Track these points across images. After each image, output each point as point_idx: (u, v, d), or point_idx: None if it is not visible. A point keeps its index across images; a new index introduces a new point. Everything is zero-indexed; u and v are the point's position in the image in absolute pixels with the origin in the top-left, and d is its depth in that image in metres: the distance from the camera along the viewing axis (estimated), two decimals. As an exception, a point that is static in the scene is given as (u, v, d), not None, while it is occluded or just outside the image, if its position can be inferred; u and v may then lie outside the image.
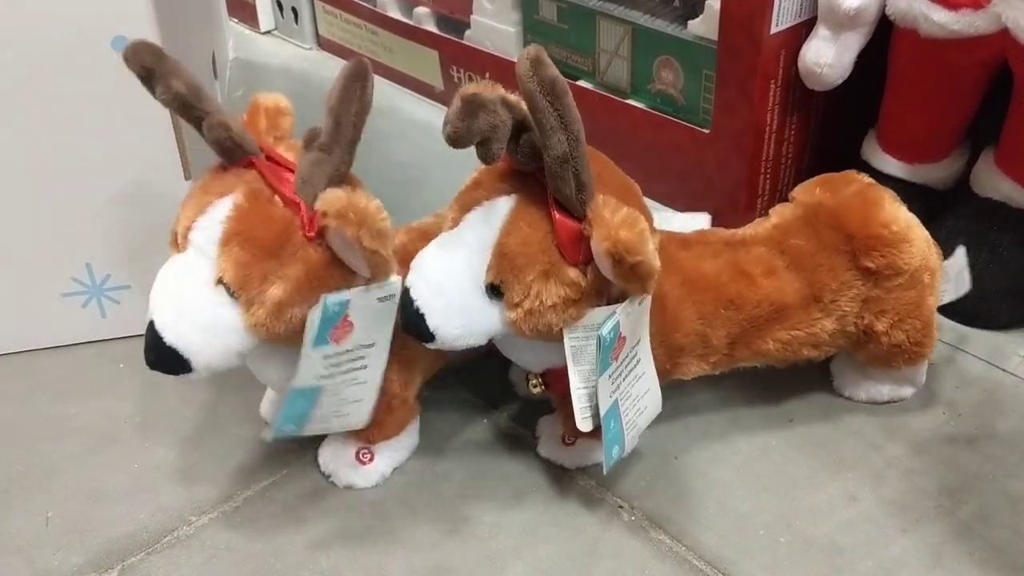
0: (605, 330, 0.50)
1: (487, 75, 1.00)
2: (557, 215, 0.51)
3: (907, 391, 0.67)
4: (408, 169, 0.90)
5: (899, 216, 0.63)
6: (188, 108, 0.52)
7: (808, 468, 0.62)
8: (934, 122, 0.77)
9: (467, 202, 0.53)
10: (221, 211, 0.52)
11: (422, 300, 0.52)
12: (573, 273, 0.51)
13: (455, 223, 0.53)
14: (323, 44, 1.23)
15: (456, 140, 0.48)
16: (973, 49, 0.71)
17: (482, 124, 0.48)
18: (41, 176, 0.66)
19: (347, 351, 0.54)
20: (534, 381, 0.60)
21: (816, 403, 0.67)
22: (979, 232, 0.75)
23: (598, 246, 0.49)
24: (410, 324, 0.52)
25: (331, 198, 0.49)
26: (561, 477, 0.62)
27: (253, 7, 1.27)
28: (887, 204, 0.63)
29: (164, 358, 0.51)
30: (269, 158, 0.54)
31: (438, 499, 0.60)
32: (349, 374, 0.55)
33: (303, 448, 0.64)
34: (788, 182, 0.86)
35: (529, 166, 0.52)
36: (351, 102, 0.52)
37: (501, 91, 0.49)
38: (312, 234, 0.51)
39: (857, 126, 0.83)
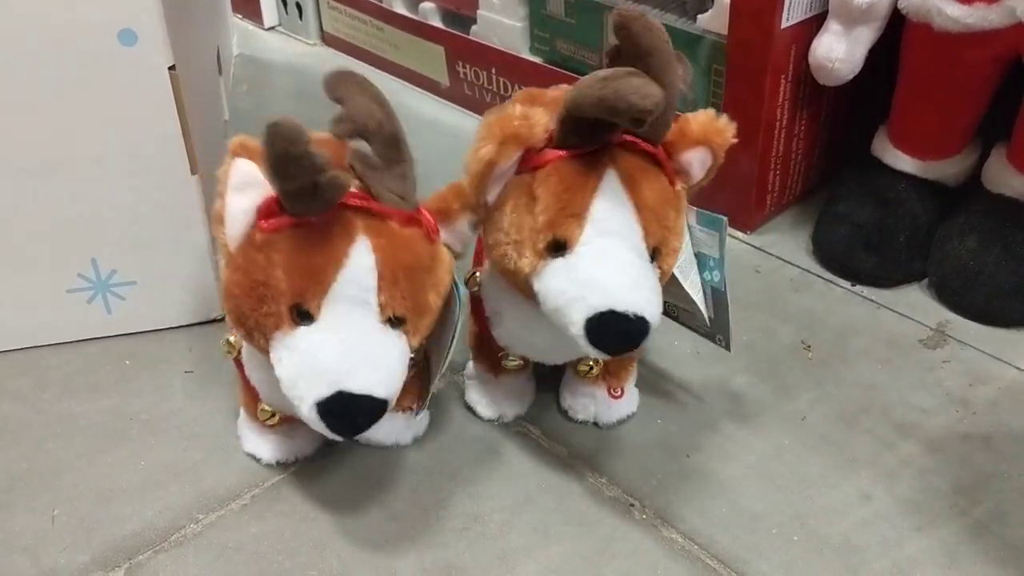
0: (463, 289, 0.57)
1: (493, 71, 0.99)
2: (655, 151, 0.53)
3: None
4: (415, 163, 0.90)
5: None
6: (318, 177, 0.48)
7: (821, 467, 0.61)
8: (946, 118, 0.77)
9: (577, 206, 0.51)
10: (364, 258, 0.50)
11: (635, 305, 0.50)
12: (680, 194, 0.55)
13: (580, 233, 0.51)
14: (327, 40, 1.22)
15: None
16: (986, 44, 0.70)
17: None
18: (46, 171, 0.65)
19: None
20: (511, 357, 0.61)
21: (829, 402, 0.66)
22: (992, 229, 0.74)
23: (712, 150, 0.53)
24: (633, 332, 0.50)
25: (455, 192, 0.53)
26: (572, 475, 0.61)
27: (257, 3, 1.26)
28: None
29: (373, 415, 0.50)
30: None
31: (448, 498, 0.60)
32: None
33: (315, 448, 0.63)
34: (798, 178, 0.86)
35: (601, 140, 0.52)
36: (389, 111, 0.52)
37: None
38: (437, 236, 0.53)
39: (868, 122, 0.82)
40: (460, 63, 1.03)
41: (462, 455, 0.63)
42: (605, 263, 0.51)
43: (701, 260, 0.60)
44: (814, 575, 0.55)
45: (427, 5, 1.06)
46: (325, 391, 0.49)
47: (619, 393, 0.64)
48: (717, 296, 0.61)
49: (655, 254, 0.53)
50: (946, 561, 0.55)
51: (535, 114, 0.51)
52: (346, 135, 0.52)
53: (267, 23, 1.28)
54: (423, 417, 0.64)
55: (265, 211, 0.50)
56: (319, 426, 0.49)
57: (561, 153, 0.52)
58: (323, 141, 0.52)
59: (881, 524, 0.57)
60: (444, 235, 0.54)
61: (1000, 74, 0.73)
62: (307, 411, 0.49)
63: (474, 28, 1.01)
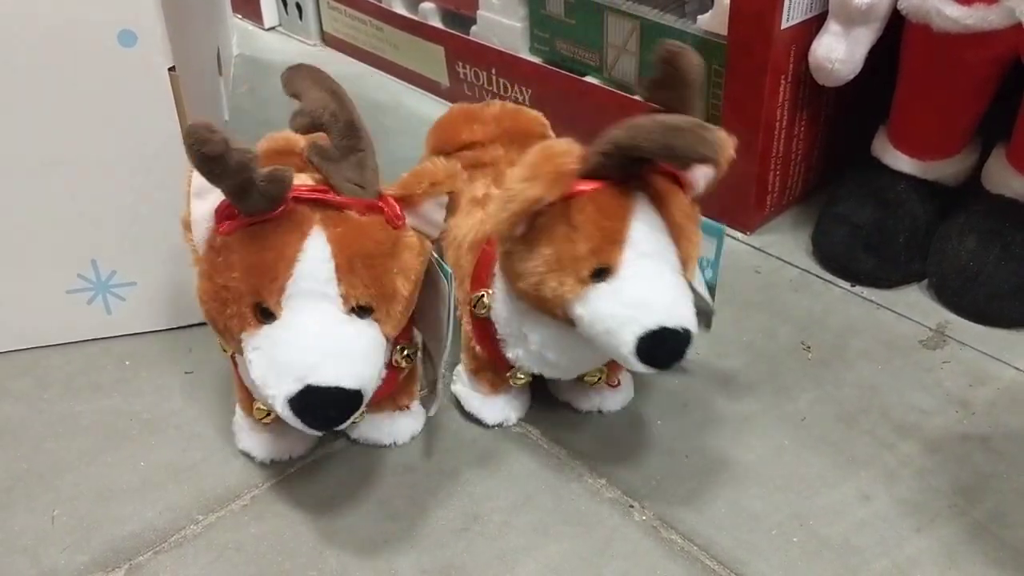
0: (448, 269, 0.56)
1: (493, 71, 0.99)
2: (673, 171, 0.54)
3: None
4: (414, 165, 0.90)
5: (532, 111, 0.73)
6: (251, 175, 0.48)
7: (820, 467, 0.61)
8: (946, 118, 0.77)
9: (616, 233, 0.52)
10: (319, 250, 0.50)
11: (684, 320, 0.52)
12: (696, 207, 0.56)
13: (621, 257, 0.53)
14: (327, 40, 1.22)
15: None
16: (986, 44, 0.70)
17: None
18: (46, 171, 0.65)
19: None
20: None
21: (828, 402, 0.66)
22: (991, 229, 0.74)
23: (720, 168, 0.53)
24: (681, 350, 0.52)
25: (422, 174, 0.52)
26: (571, 476, 0.61)
27: (257, 3, 1.26)
28: (521, 107, 0.73)
29: (347, 406, 0.49)
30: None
31: (447, 497, 0.60)
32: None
33: (310, 447, 0.63)
34: (798, 179, 0.86)
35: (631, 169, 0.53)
36: (346, 99, 0.52)
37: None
38: (401, 222, 0.53)
39: (868, 122, 0.82)
40: (460, 63, 1.03)
41: (461, 455, 0.63)
42: (650, 284, 0.53)
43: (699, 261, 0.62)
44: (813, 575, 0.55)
45: (427, 5, 1.06)
46: (294, 387, 0.49)
47: (616, 383, 0.65)
48: (709, 289, 0.64)
49: (684, 267, 0.55)
50: (946, 562, 0.55)
51: (572, 148, 0.52)
52: (303, 129, 0.53)
53: (267, 23, 1.28)
54: (420, 414, 0.64)
55: (222, 214, 0.51)
56: (296, 423, 0.50)
57: (595, 183, 0.53)
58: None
59: (880, 524, 0.57)
60: (411, 220, 0.54)
61: (999, 75, 0.73)
62: (281, 409, 0.49)
63: (474, 28, 1.01)
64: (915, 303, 0.76)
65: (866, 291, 0.77)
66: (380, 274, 0.52)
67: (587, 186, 0.53)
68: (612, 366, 0.64)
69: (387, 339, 0.53)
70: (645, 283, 0.52)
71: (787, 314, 0.75)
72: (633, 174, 0.53)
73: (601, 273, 0.53)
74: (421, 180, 0.53)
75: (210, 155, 0.46)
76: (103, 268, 0.70)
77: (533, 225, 0.53)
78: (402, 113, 1.06)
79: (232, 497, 0.60)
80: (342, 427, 0.52)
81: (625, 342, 0.52)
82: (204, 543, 0.57)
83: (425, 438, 0.64)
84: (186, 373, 0.70)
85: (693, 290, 0.60)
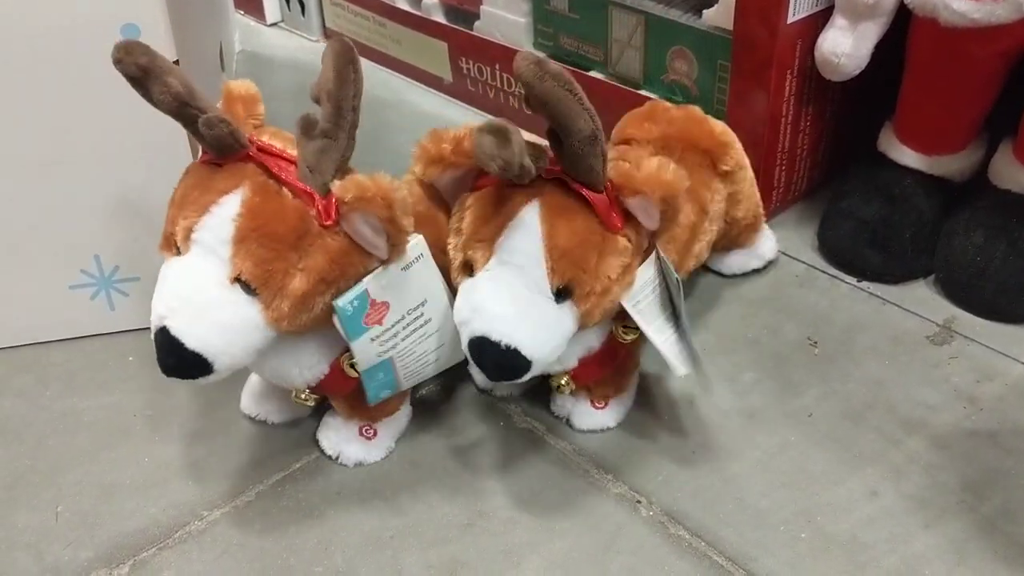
0: (342, 301, 0.53)
1: (497, 66, 0.99)
2: (588, 193, 0.52)
3: (757, 262, 0.78)
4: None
5: (718, 122, 0.71)
6: (184, 107, 0.50)
7: (827, 463, 0.61)
8: (952, 113, 0.76)
9: (489, 232, 0.52)
10: (230, 209, 0.51)
11: (507, 336, 0.50)
12: (621, 239, 0.53)
13: (484, 258, 0.52)
14: (330, 36, 1.22)
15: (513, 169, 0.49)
16: (993, 39, 0.70)
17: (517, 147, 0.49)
18: (49, 166, 0.65)
19: (396, 322, 0.55)
20: (304, 395, 0.59)
21: (835, 398, 0.66)
22: (998, 225, 0.74)
23: (650, 198, 0.51)
24: (505, 365, 0.51)
25: (355, 184, 0.50)
26: (578, 472, 0.61)
27: (259, -1, 1.26)
28: (708, 116, 0.71)
29: (185, 364, 0.50)
30: (261, 150, 0.52)
31: (453, 494, 0.59)
32: (413, 336, 0.57)
33: (315, 444, 0.63)
34: (804, 173, 0.86)
35: (530, 175, 0.52)
36: (347, 85, 0.51)
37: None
38: (329, 222, 0.51)
39: (874, 117, 0.82)
40: (463, 59, 1.03)
41: (467, 451, 0.62)
42: (493, 292, 0.52)
43: (676, 308, 0.59)
44: (822, 572, 0.54)
45: (430, 0, 1.06)
46: (155, 323, 0.50)
47: (602, 404, 0.63)
48: (687, 344, 0.60)
49: (565, 293, 0.52)
50: (954, 558, 0.55)
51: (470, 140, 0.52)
52: (313, 99, 0.53)
53: (269, 19, 1.27)
54: (380, 447, 0.62)
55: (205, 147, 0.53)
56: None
57: (495, 180, 0.53)
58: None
59: (888, 521, 0.57)
60: (347, 228, 0.52)
61: (1006, 69, 0.72)
62: (152, 335, 0.51)
63: (477, 24, 1.00)
64: (922, 299, 0.75)
65: (872, 287, 0.77)
66: (273, 259, 0.50)
67: (489, 181, 0.53)
68: (594, 389, 0.63)
69: (275, 329, 0.52)
70: (490, 290, 0.52)
71: (793, 310, 0.75)
72: (537, 180, 0.52)
73: (468, 268, 0.53)
74: (350, 189, 0.50)
75: (127, 75, 0.50)
76: (106, 263, 0.70)
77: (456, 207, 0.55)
78: (404, 109, 1.05)
79: (236, 493, 0.60)
80: (195, 383, 0.51)
81: (463, 341, 0.52)
82: (209, 539, 0.57)
83: (430, 434, 0.64)
84: (189, 369, 0.70)
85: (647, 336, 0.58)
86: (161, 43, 0.62)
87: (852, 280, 0.78)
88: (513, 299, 0.51)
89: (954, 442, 0.62)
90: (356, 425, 0.61)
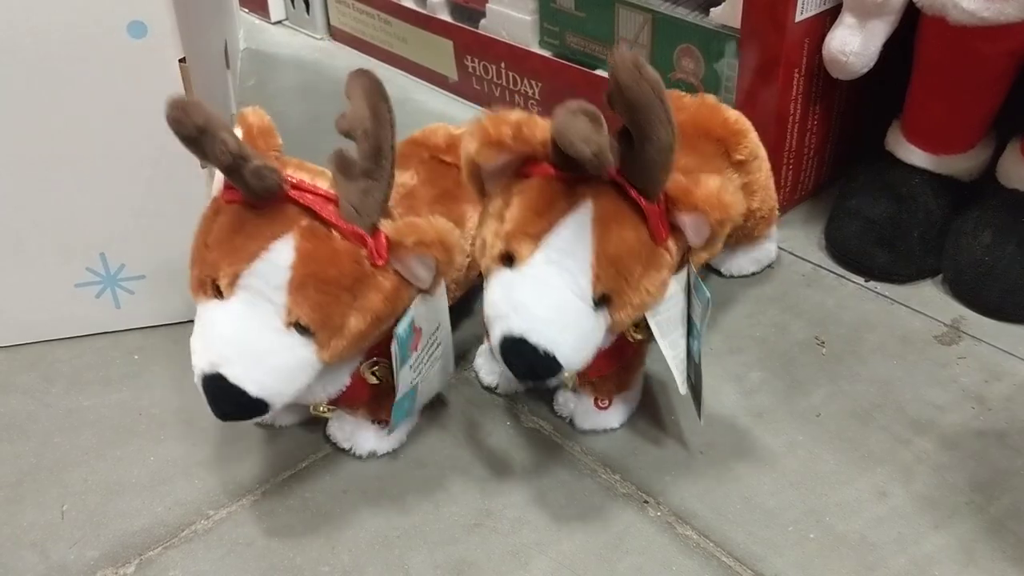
0: (400, 329, 0.54)
1: (502, 65, 0.99)
2: (644, 203, 0.51)
3: (754, 266, 0.77)
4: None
5: (732, 110, 0.70)
6: (239, 163, 0.49)
7: (836, 463, 0.61)
8: (960, 112, 0.76)
9: (538, 227, 0.51)
10: (283, 256, 0.50)
11: (547, 340, 0.49)
12: (665, 254, 0.52)
13: (529, 253, 0.51)
14: (335, 34, 1.22)
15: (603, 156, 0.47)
16: (1002, 37, 0.70)
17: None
18: (55, 164, 0.65)
19: (423, 348, 0.57)
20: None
21: (843, 398, 0.66)
22: (1006, 224, 0.74)
23: (706, 217, 0.50)
24: (538, 368, 0.50)
25: (413, 228, 0.51)
26: (585, 471, 0.61)
27: (264, -4, 1.26)
28: (722, 104, 0.70)
29: (246, 409, 0.50)
30: (295, 187, 0.52)
31: (460, 493, 0.59)
32: (430, 360, 0.58)
33: (321, 442, 0.63)
34: (811, 172, 0.85)
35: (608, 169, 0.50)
36: (385, 123, 0.51)
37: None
38: (381, 262, 0.51)
39: (881, 116, 0.82)
40: (469, 57, 1.02)
41: (474, 451, 0.62)
42: (537, 292, 0.50)
43: (691, 325, 0.58)
44: (830, 573, 0.54)
45: (435, -1, 1.06)
46: (207, 368, 0.50)
47: (606, 404, 0.63)
48: (693, 365, 0.59)
49: (604, 301, 0.52)
50: (964, 558, 0.55)
51: (534, 125, 0.50)
52: (343, 133, 0.52)
53: (274, 17, 1.27)
54: (392, 437, 0.62)
55: (229, 183, 0.52)
56: (204, 399, 0.51)
57: (549, 170, 0.51)
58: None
59: (897, 521, 0.57)
60: (399, 266, 0.52)
61: (1015, 68, 0.72)
62: (196, 378, 0.51)
63: (483, 22, 1.00)
64: (929, 298, 0.75)
65: (880, 286, 0.77)
66: (331, 303, 0.51)
67: (542, 171, 0.51)
68: (599, 387, 0.62)
69: (325, 363, 0.53)
70: (534, 288, 0.50)
71: (800, 309, 0.74)
72: (587, 181, 0.50)
73: (509, 260, 0.52)
74: (412, 234, 0.51)
75: (183, 136, 0.48)
76: (112, 261, 0.70)
77: (492, 191, 0.54)
78: (409, 108, 1.05)
79: (243, 492, 0.60)
80: (247, 421, 0.53)
81: (495, 335, 0.51)
82: (215, 538, 0.57)
83: (438, 434, 0.64)
84: (195, 367, 0.69)
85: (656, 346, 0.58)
86: (167, 41, 0.62)
87: (859, 279, 0.78)
88: (557, 302, 0.50)
89: (963, 442, 0.62)
90: (369, 417, 0.62)
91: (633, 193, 0.50)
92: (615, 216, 0.51)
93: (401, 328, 0.53)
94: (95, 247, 0.69)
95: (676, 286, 0.55)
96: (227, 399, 0.50)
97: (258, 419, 0.53)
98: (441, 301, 0.57)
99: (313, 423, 0.64)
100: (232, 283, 0.51)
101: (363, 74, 0.52)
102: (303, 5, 1.23)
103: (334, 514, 0.58)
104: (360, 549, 0.56)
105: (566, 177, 0.51)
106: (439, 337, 0.58)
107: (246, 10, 1.29)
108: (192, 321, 0.72)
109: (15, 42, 0.60)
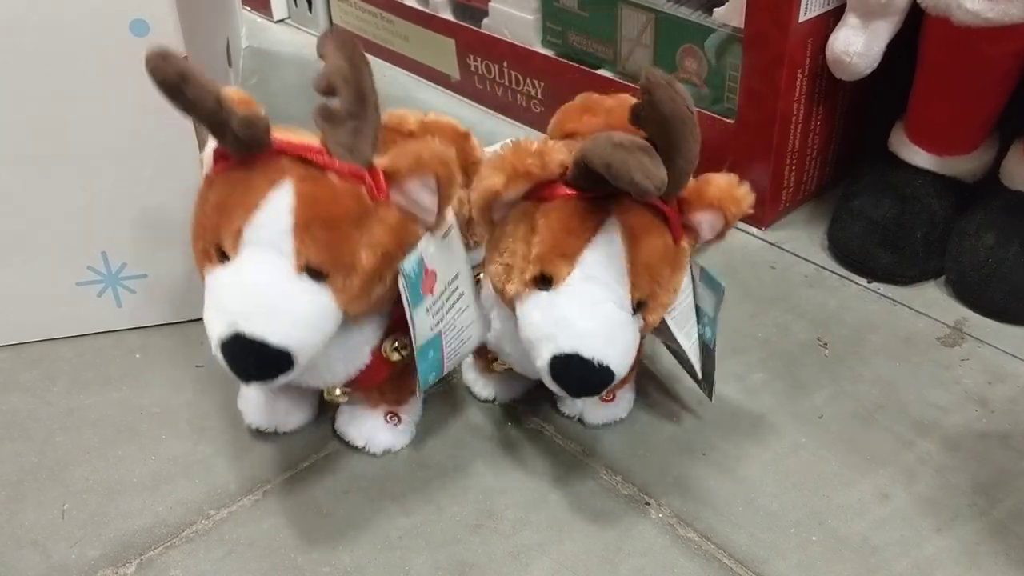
0: (407, 266, 0.53)
1: (504, 64, 0.99)
2: (665, 208, 0.52)
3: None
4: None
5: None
6: (219, 110, 0.49)
7: (838, 465, 0.61)
8: (964, 113, 0.76)
9: (572, 246, 0.52)
10: (283, 201, 0.50)
11: (599, 353, 0.50)
12: (685, 253, 0.55)
13: (567, 272, 0.52)
14: (326, 35, 1.21)
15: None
16: (1006, 38, 0.70)
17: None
18: (56, 162, 0.65)
19: (442, 293, 0.56)
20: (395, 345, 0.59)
21: (845, 399, 0.66)
22: (1010, 226, 0.74)
23: (723, 214, 0.53)
24: (593, 382, 0.51)
25: (409, 152, 0.50)
26: (587, 473, 0.60)
27: (266, -5, 1.26)
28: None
29: (269, 364, 0.49)
30: (282, 144, 0.52)
31: (462, 494, 0.59)
32: (454, 308, 0.57)
33: (323, 441, 0.63)
34: (814, 173, 0.85)
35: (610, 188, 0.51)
36: (363, 68, 0.51)
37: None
38: (382, 196, 0.51)
39: (885, 116, 0.82)
40: (471, 56, 1.02)
41: (476, 452, 0.62)
42: (582, 308, 0.51)
43: (699, 312, 0.60)
44: (833, 575, 0.54)
45: (438, -2, 1.05)
46: (225, 331, 0.48)
47: (611, 397, 0.64)
48: (706, 350, 0.61)
49: (640, 307, 0.53)
50: (967, 561, 0.54)
51: (552, 152, 0.52)
52: (322, 91, 0.52)
53: (276, 16, 1.27)
54: (405, 433, 0.63)
55: (218, 153, 0.52)
56: (225, 369, 0.49)
57: (570, 192, 0.52)
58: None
59: (900, 523, 0.57)
60: (400, 198, 0.52)
61: (1019, 69, 0.72)
62: (215, 351, 0.49)
63: (485, 21, 1.00)
64: (932, 300, 0.75)
65: (883, 287, 0.77)
66: (339, 240, 0.50)
67: (564, 193, 0.52)
68: None
69: (344, 312, 0.52)
70: (577, 305, 0.51)
71: (803, 310, 0.74)
72: (610, 195, 0.52)
73: (544, 282, 0.52)
74: (407, 157, 0.51)
75: (162, 83, 0.47)
76: (113, 260, 0.70)
77: (506, 217, 0.54)
78: (411, 107, 1.04)
79: (244, 492, 0.60)
80: (274, 384, 0.51)
81: (541, 356, 0.51)
82: (216, 538, 0.57)
83: (439, 434, 0.63)
84: (197, 366, 0.69)
85: (670, 337, 0.59)
86: (170, 39, 0.62)
87: (862, 280, 0.77)
88: (602, 315, 0.51)
89: (966, 444, 0.62)
90: (381, 413, 0.62)
91: (656, 202, 0.52)
92: (642, 225, 0.52)
93: (408, 265, 0.53)
94: (96, 246, 0.69)
95: (686, 280, 0.57)
96: (249, 356, 0.48)
97: (284, 378, 0.50)
98: (456, 246, 0.56)
99: (313, 423, 0.64)
100: (236, 240, 0.50)
101: (331, 32, 0.53)
102: (305, 3, 1.23)
103: (336, 514, 0.58)
104: (361, 549, 0.56)
105: (588, 195, 0.52)
106: (460, 286, 0.57)
107: (248, 8, 1.29)
108: (194, 320, 0.73)
109: (17, 40, 0.60)
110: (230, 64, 1.00)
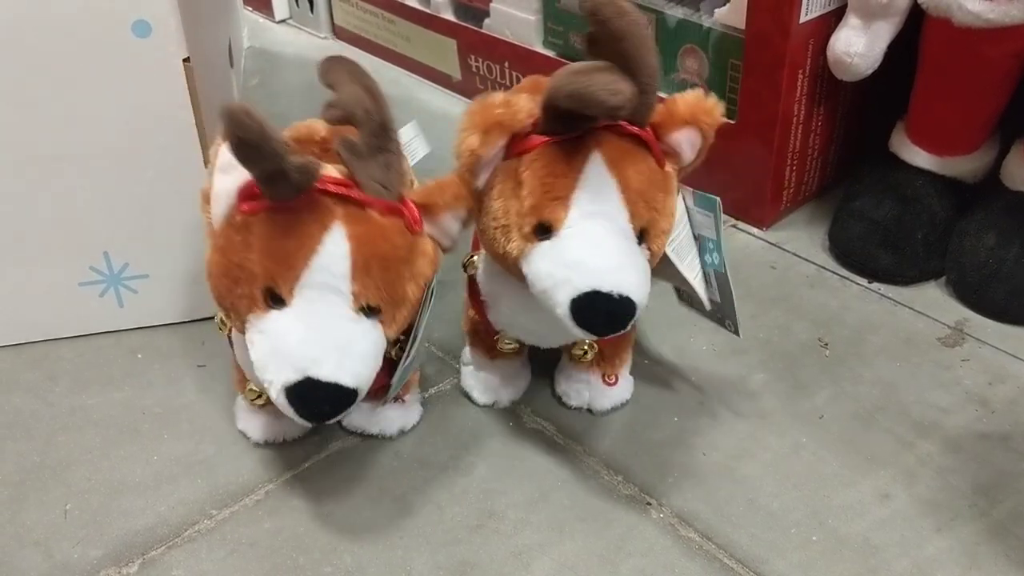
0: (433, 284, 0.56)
1: (506, 65, 0.99)
2: (644, 133, 0.52)
3: None
4: (425, 160, 0.89)
5: None
6: (281, 164, 0.48)
7: (839, 466, 0.61)
8: (965, 114, 0.76)
9: (563, 189, 0.51)
10: (338, 245, 0.50)
11: (617, 286, 0.50)
12: (673, 176, 0.54)
13: (564, 215, 0.51)
14: (338, 33, 1.22)
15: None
16: (1007, 39, 0.70)
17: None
18: (59, 162, 0.65)
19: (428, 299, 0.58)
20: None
21: (846, 400, 0.66)
22: (1010, 226, 0.74)
23: (699, 127, 0.53)
24: (618, 314, 0.50)
25: (445, 187, 0.52)
26: (588, 473, 0.61)
27: (268, -5, 1.26)
28: None
29: (342, 402, 0.50)
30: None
31: (463, 494, 0.59)
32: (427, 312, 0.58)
33: (324, 441, 0.63)
34: (815, 174, 0.85)
35: (583, 127, 0.52)
36: (382, 100, 0.52)
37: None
38: (420, 228, 0.53)
39: (885, 117, 0.82)
40: (472, 57, 1.02)
41: (477, 451, 0.62)
42: (590, 245, 0.51)
43: (702, 243, 0.60)
44: (833, 575, 0.54)
45: (439, -2, 1.06)
46: (293, 376, 0.49)
47: (613, 380, 0.64)
48: (720, 279, 0.61)
49: (643, 236, 0.53)
50: (967, 561, 0.55)
51: (517, 101, 0.51)
52: (335, 121, 0.52)
53: (278, 16, 1.27)
54: (414, 410, 0.64)
55: (246, 193, 0.51)
56: (288, 410, 0.50)
57: (546, 139, 0.52)
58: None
59: (900, 524, 0.57)
60: (429, 228, 0.54)
61: (1020, 70, 0.72)
62: (275, 395, 0.49)
63: (487, 21, 1.00)
64: (933, 300, 0.75)
65: (883, 288, 0.77)
66: (394, 278, 0.52)
67: (540, 141, 0.52)
68: (609, 358, 0.63)
69: (388, 341, 0.53)
70: (584, 244, 0.51)
71: (803, 310, 0.74)
72: (587, 133, 0.51)
73: (545, 231, 0.52)
74: (444, 192, 0.53)
75: (247, 141, 0.46)
76: (115, 260, 0.70)
77: (490, 181, 0.54)
78: (413, 107, 1.05)
79: (246, 492, 0.60)
80: (332, 421, 0.52)
81: (559, 303, 0.50)
82: (218, 538, 0.57)
83: (440, 434, 0.64)
84: (199, 366, 0.69)
85: (675, 273, 0.60)
86: (171, 40, 0.62)
87: (863, 281, 0.77)
88: (611, 249, 0.51)
89: (966, 445, 0.62)
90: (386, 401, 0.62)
91: (631, 129, 0.52)
92: (624, 154, 0.52)
93: (433, 284, 0.55)
94: (98, 246, 0.69)
95: (681, 207, 0.57)
96: (323, 398, 0.49)
97: (347, 413, 0.52)
98: None
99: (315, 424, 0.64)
100: (294, 285, 0.50)
101: (338, 60, 0.53)
102: (307, 4, 1.23)
103: (337, 514, 0.58)
104: (363, 550, 0.56)
105: (564, 138, 0.52)
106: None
107: (250, 9, 1.29)
108: (196, 320, 0.73)
109: (20, 41, 0.60)
110: (232, 65, 1.00)
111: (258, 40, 1.22)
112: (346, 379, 0.49)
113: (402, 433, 0.63)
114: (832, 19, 0.76)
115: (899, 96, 0.79)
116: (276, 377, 0.49)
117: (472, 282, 0.61)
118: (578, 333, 0.51)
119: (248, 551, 0.56)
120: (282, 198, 0.50)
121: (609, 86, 0.47)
